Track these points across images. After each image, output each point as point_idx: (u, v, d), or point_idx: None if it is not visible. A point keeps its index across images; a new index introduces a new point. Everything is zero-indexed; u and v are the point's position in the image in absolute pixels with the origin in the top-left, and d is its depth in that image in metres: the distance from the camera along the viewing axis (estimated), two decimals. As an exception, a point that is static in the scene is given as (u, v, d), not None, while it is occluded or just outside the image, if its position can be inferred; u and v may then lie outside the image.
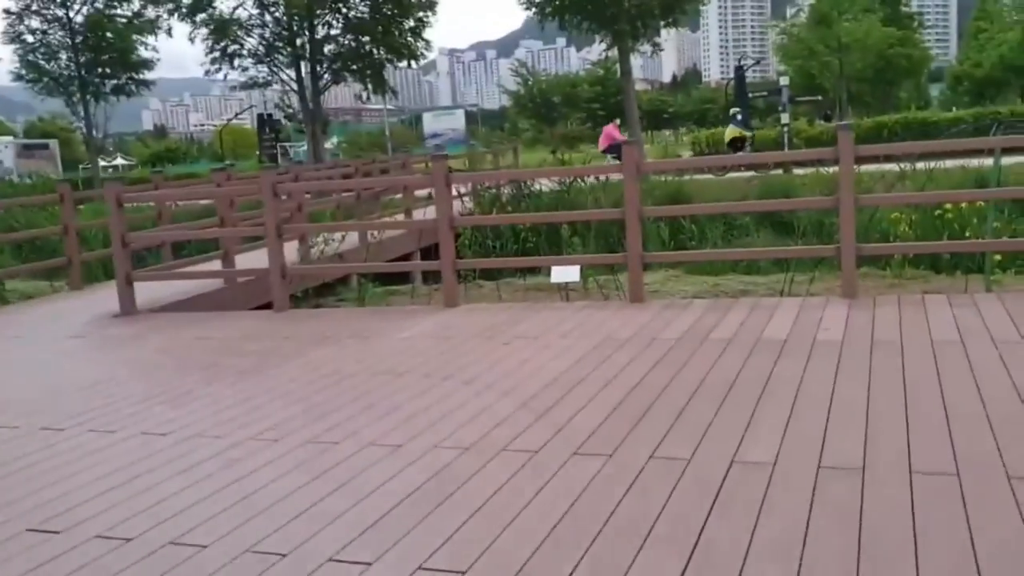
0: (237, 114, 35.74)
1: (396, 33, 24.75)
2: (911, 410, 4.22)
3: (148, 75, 31.66)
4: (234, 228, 10.02)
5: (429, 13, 24.84)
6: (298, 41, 24.67)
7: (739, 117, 21.12)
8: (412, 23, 25.14)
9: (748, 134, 21.29)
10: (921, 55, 42.80)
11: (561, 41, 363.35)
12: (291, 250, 10.53)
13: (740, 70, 34.92)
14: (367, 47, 25.01)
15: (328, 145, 53.20)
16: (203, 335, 7.51)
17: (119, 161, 70.76)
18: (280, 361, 6.25)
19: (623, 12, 21.12)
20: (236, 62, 25.11)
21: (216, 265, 10.45)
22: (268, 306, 8.59)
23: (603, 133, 22.92)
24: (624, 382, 5.04)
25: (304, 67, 24.55)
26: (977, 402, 4.28)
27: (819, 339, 5.78)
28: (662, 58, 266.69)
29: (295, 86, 25.05)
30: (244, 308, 9.32)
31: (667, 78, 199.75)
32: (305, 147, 43.81)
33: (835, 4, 35.79)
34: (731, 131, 20.92)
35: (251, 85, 26.03)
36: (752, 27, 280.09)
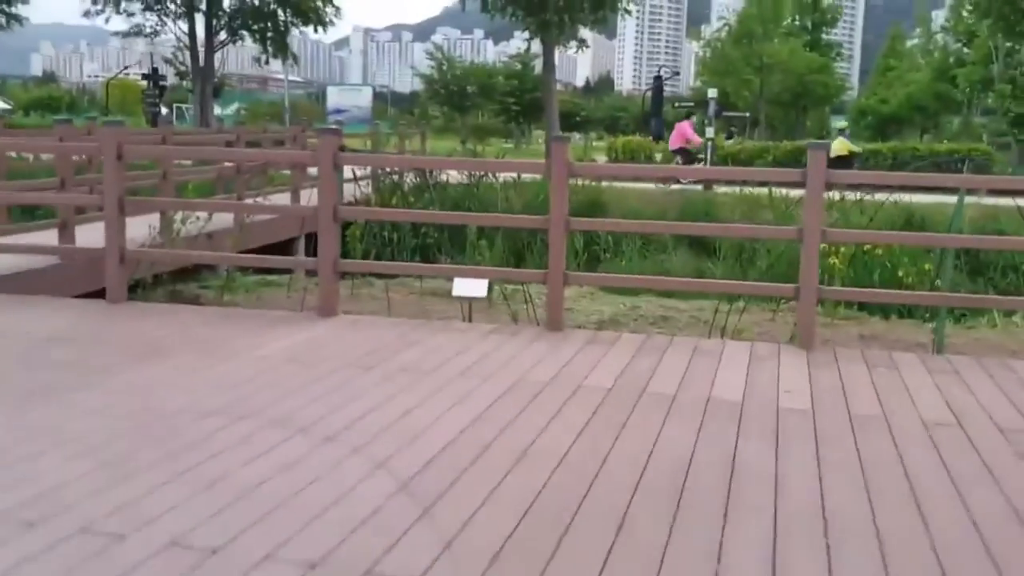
0: (127, 67, 32.73)
1: (305, -6, 22.88)
2: (935, 534, 3.07)
3: (27, 11, 28.54)
4: (67, 195, 8.21)
5: None
6: (189, -7, 22.53)
7: (847, 132, 18.77)
8: (324, -16, 23.32)
9: (858, 150, 19.01)
10: (837, 85, 43.38)
11: (479, 32, 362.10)
12: (147, 226, 8.82)
13: (659, 80, 34.41)
14: (271, 6, 22.99)
15: (228, 111, 50.29)
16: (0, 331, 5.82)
17: None
18: (86, 381, 4.67)
19: (551, 2, 19.88)
20: (122, 6, 22.65)
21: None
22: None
23: (675, 130, 19.84)
24: (543, 457, 3.73)
25: (200, 21, 22.40)
26: (1014, 522, 3.17)
27: (783, 406, 4.62)
28: (576, 62, 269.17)
29: (187, 40, 22.80)
30: (82, 292, 7.61)
31: (580, 82, 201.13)
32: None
33: (761, 22, 35.62)
34: (840, 145, 18.93)
35: (135, 33, 23.56)
36: (667, 41, 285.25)
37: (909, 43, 52.81)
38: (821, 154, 5.88)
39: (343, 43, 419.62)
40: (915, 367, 5.50)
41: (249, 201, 10.91)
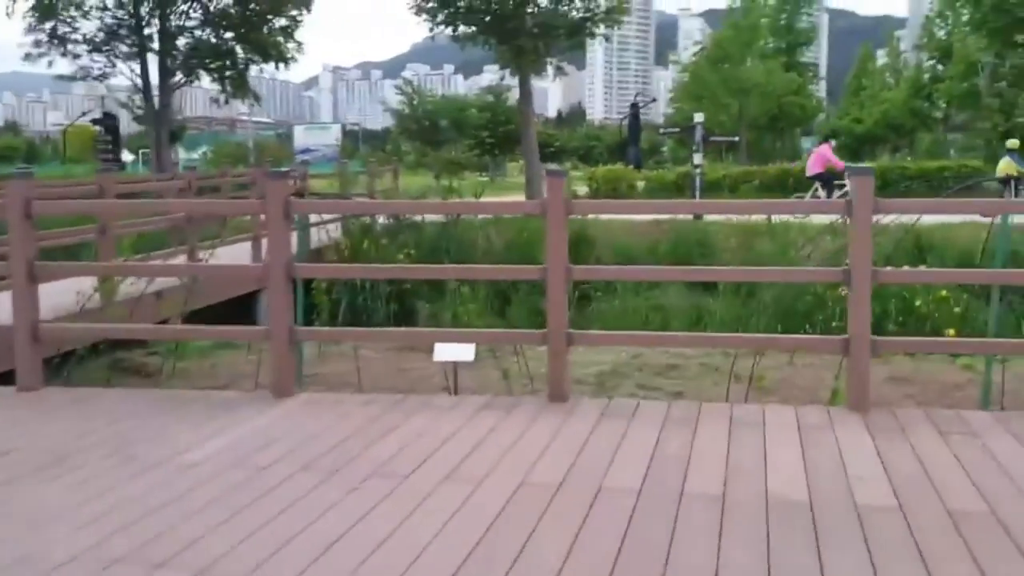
0: (84, 113, 31.54)
1: (265, 31, 21.76)
2: None
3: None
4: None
5: (303, 11, 21.86)
6: (147, 30, 21.35)
7: (1015, 154, 17.59)
8: (284, 21, 22.23)
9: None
10: (813, 106, 42.93)
11: (449, 67, 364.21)
12: (85, 288, 7.71)
13: (635, 107, 33.77)
14: (229, 43, 21.92)
15: (194, 155, 49.09)
16: None
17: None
18: (-45, 512, 3.56)
19: (524, 28, 18.99)
20: (68, 47, 21.48)
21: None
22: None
23: (814, 155, 18.35)
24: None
25: (153, 62, 21.24)
26: None
27: (861, 502, 3.60)
28: (548, 93, 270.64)
29: (140, 83, 21.64)
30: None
31: (552, 113, 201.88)
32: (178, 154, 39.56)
33: (738, 45, 35.04)
34: (1005, 165, 17.73)
35: (81, 77, 22.35)
36: (636, 69, 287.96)
37: (878, 63, 52.72)
38: (868, 180, 4.92)
39: (312, 82, 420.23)
40: (995, 432, 4.51)
41: (204, 254, 9.79)
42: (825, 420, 4.77)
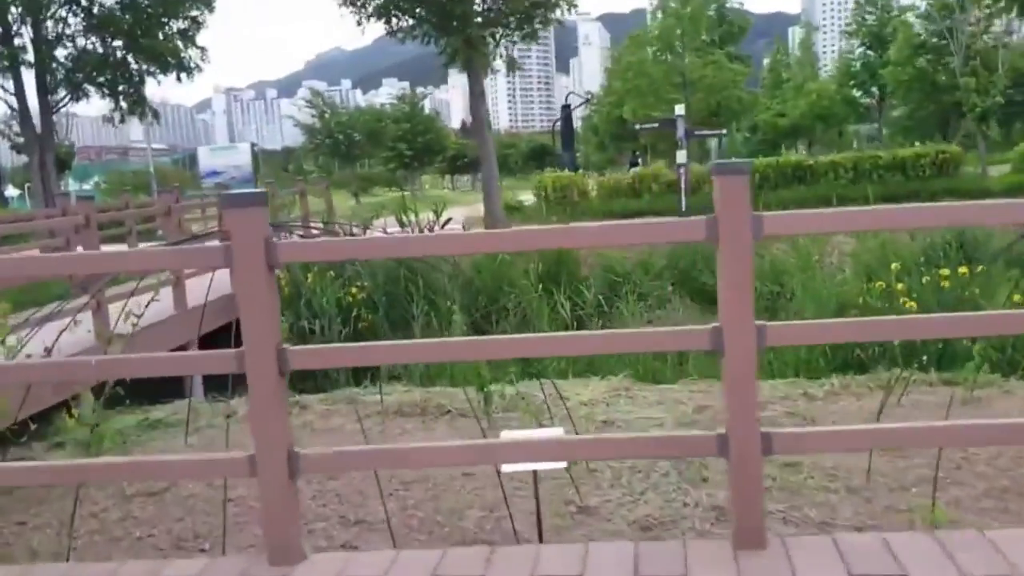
0: (-42, 144, 27.90)
1: (160, 36, 18.76)
2: None
3: None
4: None
5: (204, 11, 18.90)
6: (17, 40, 18.16)
7: None
8: (183, 23, 19.28)
9: None
10: (751, 99, 41.89)
11: (347, 82, 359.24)
12: None
13: (567, 109, 32.03)
14: (119, 53, 18.88)
15: (86, 186, 45.08)
16: None
17: None
18: None
19: (471, 18, 16.75)
20: (-79, 62, 18.09)
21: None
22: None
23: None
24: None
25: (29, 78, 18.10)
26: None
27: None
28: (449, 105, 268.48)
29: (14, 102, 18.42)
30: None
31: (456, 124, 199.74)
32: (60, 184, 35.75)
33: (680, 36, 33.42)
34: None
35: None
36: (539, 77, 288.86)
37: (790, 56, 52.42)
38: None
39: (205, 105, 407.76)
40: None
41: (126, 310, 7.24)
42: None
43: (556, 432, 4.11)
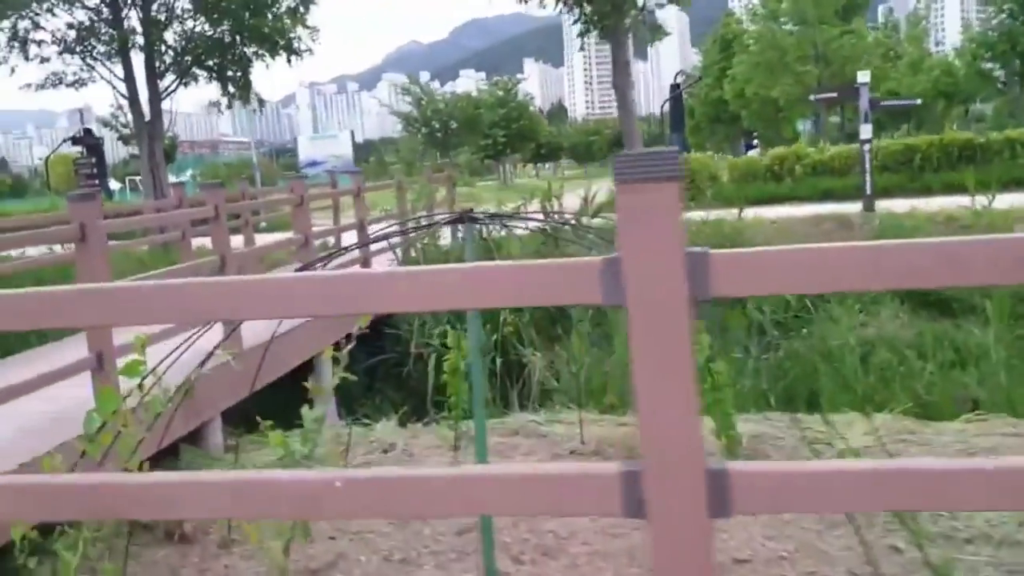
0: (66, 139, 27.80)
1: (269, 16, 17.70)
2: None
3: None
4: None
5: None
6: (126, 23, 17.37)
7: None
8: (292, 2, 18.21)
9: None
10: (881, 72, 38.76)
11: (425, 75, 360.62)
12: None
13: (677, 88, 30.05)
14: (228, 34, 17.93)
15: (183, 177, 45.18)
16: None
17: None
18: None
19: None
20: (33, 51, 17.48)
21: None
22: None
23: None
24: None
25: (138, 62, 17.33)
26: None
27: None
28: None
29: (124, 88, 17.67)
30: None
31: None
32: (176, 175, 35.26)
33: (818, 5, 30.74)
34: None
35: (52, 84, 18.26)
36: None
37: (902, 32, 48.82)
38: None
39: (290, 100, 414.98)
40: None
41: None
42: None
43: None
